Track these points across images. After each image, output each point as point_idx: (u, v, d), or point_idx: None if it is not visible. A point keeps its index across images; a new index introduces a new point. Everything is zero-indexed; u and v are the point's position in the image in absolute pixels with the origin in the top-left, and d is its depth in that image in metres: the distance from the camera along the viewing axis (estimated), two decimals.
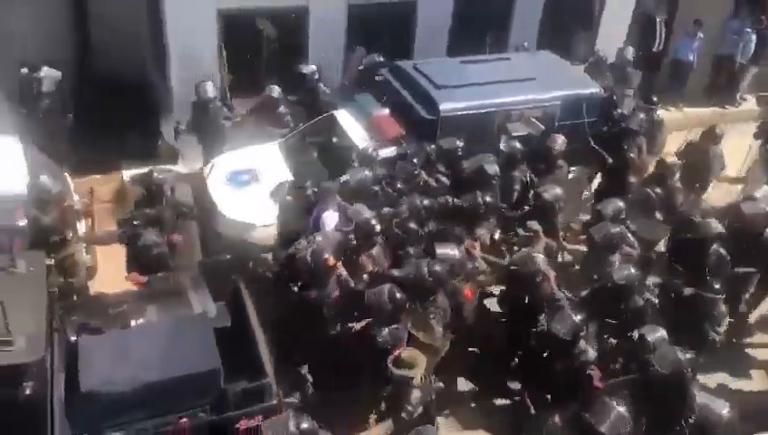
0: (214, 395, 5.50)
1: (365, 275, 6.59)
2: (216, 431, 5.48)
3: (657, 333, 5.83)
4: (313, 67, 9.71)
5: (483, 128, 8.76)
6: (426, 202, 7.39)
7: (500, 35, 11.64)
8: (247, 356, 5.80)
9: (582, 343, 6.10)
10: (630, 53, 11.28)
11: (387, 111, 9.18)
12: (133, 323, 5.94)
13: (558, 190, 7.78)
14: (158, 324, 5.96)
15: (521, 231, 7.69)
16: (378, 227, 6.75)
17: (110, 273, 7.46)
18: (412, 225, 7.02)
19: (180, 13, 9.47)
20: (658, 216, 8.15)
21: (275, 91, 9.36)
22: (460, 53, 10.54)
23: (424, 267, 6.30)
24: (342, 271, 6.49)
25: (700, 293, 6.78)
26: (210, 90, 9.13)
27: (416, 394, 5.92)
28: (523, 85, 9.17)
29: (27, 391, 4.68)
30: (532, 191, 8.10)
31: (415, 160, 8.10)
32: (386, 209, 7.18)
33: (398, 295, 6.04)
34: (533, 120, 9.01)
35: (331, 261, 6.34)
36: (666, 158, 9.00)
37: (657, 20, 12.52)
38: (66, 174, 8.40)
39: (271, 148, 9.24)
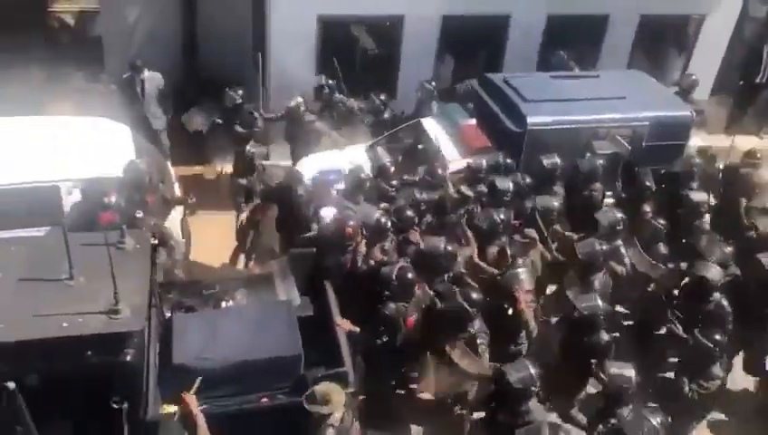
0: (294, 380, 5.77)
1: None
2: (293, 415, 5.77)
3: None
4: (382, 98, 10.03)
5: (569, 144, 8.78)
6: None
7: (591, 53, 11.63)
8: (327, 345, 6.05)
9: (533, 403, 5.59)
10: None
11: (474, 121, 9.35)
12: (223, 304, 6.31)
13: (618, 214, 7.51)
14: (246, 308, 6.30)
15: (517, 237, 7.38)
16: (387, 224, 7.01)
17: (202, 255, 7.92)
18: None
19: (284, 18, 9.94)
20: (663, 249, 7.59)
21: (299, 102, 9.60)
22: (550, 68, 10.63)
23: (459, 297, 6.24)
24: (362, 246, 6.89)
25: (687, 338, 6.39)
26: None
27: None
28: (611, 103, 9.13)
29: (128, 358, 5.03)
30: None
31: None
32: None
33: (409, 275, 6.33)
34: (620, 139, 8.99)
35: (352, 231, 6.74)
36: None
37: (765, 51, 12.11)
38: (168, 163, 8.94)
39: (358, 151, 9.56)
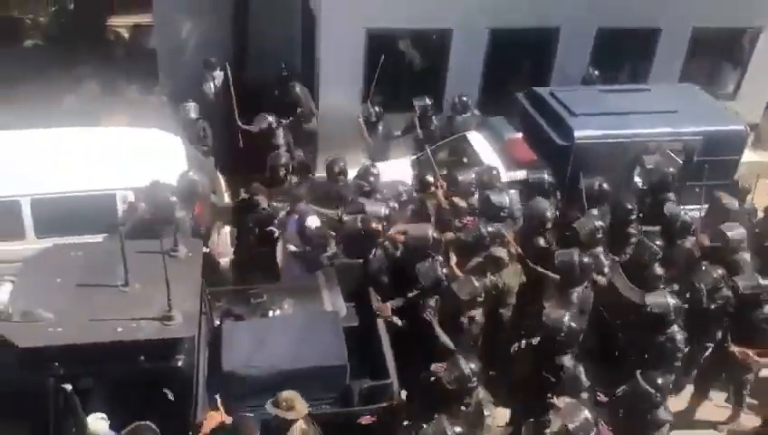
0: (339, 389, 5.84)
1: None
2: (338, 424, 5.81)
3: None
4: (427, 101, 9.98)
5: (617, 159, 8.69)
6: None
7: (642, 66, 11.49)
8: (372, 356, 6.09)
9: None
10: None
11: (520, 135, 9.32)
12: (271, 313, 6.41)
13: (597, 222, 7.39)
14: (293, 317, 6.39)
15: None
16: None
17: None
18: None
19: (332, 31, 10.05)
20: (658, 270, 7.30)
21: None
22: (599, 82, 10.53)
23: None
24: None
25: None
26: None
27: None
28: (662, 117, 9.00)
29: (179, 364, 5.17)
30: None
31: None
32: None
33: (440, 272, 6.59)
34: (671, 153, 8.84)
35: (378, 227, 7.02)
36: None
37: None
38: (219, 173, 9.13)
39: (404, 163, 9.61)
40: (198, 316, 5.42)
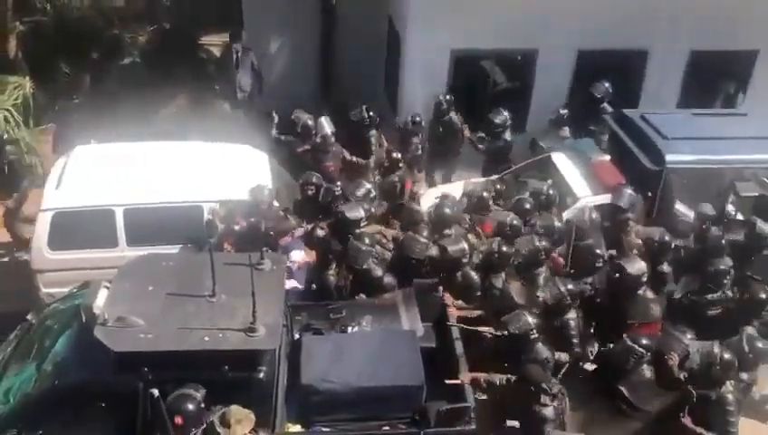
0: (415, 409, 5.78)
1: None
2: None
3: None
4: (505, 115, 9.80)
5: (710, 185, 8.37)
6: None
7: (737, 90, 11.07)
8: (450, 378, 6.02)
9: None
10: None
11: (608, 157, 9.10)
12: (350, 329, 6.42)
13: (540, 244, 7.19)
14: (372, 334, 6.36)
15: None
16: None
17: None
18: None
19: (418, 51, 10.18)
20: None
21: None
22: (692, 106, 10.19)
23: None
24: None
25: None
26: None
27: None
28: (759, 143, 8.62)
29: (261, 375, 5.28)
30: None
31: None
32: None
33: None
34: (767, 181, 8.44)
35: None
36: None
37: None
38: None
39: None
40: (280, 329, 5.52)
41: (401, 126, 9.74)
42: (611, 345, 6.53)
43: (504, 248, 7.08)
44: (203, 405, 5.02)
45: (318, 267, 7.40)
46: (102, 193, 7.67)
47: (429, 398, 5.83)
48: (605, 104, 9.97)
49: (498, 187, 8.85)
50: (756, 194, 8.32)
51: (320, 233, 7.61)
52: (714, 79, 11.18)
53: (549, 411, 5.72)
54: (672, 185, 8.03)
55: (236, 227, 7.33)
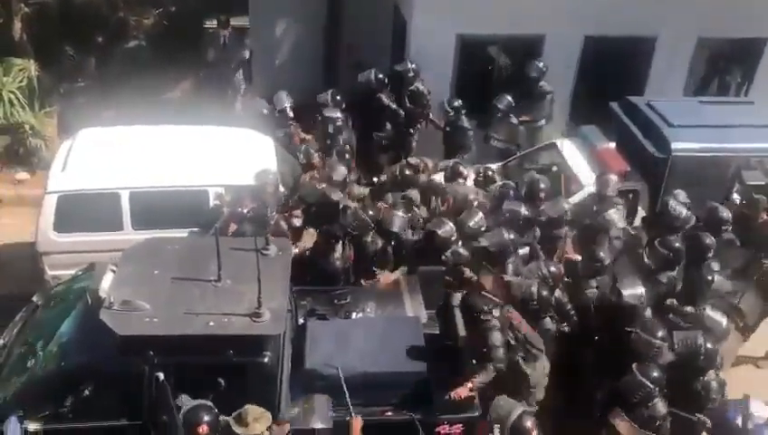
0: (418, 396, 5.81)
1: None
2: (415, 431, 5.79)
3: None
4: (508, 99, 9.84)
5: (716, 173, 8.35)
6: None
7: (744, 78, 11.00)
8: (453, 365, 6.05)
9: None
10: None
11: (612, 145, 9.07)
12: (354, 315, 6.45)
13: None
14: (375, 320, 6.41)
15: None
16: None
17: None
18: None
19: (423, 35, 10.09)
20: None
21: None
22: (698, 93, 10.15)
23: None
24: None
25: None
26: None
27: None
28: (767, 132, 8.58)
29: (266, 360, 5.31)
30: None
31: None
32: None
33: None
34: None
35: None
36: None
37: None
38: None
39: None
40: (285, 314, 5.54)
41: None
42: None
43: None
44: (216, 410, 5.03)
45: (320, 254, 7.35)
46: (108, 176, 7.66)
47: (434, 384, 5.84)
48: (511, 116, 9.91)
49: (489, 173, 8.81)
50: (763, 183, 8.29)
51: (296, 222, 7.53)
52: (721, 67, 11.11)
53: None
54: (678, 173, 7.98)
55: (244, 211, 7.30)
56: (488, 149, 10.01)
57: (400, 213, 7.41)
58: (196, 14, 13.51)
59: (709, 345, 5.83)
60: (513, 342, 6.04)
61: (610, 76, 10.41)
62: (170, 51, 12.48)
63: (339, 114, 9.35)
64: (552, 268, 6.72)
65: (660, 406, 5.57)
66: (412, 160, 8.99)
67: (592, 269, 6.86)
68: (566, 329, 6.51)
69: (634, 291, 6.37)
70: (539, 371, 6.18)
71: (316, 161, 8.34)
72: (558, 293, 6.58)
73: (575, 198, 8.37)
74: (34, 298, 6.58)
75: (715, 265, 6.88)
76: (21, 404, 5.36)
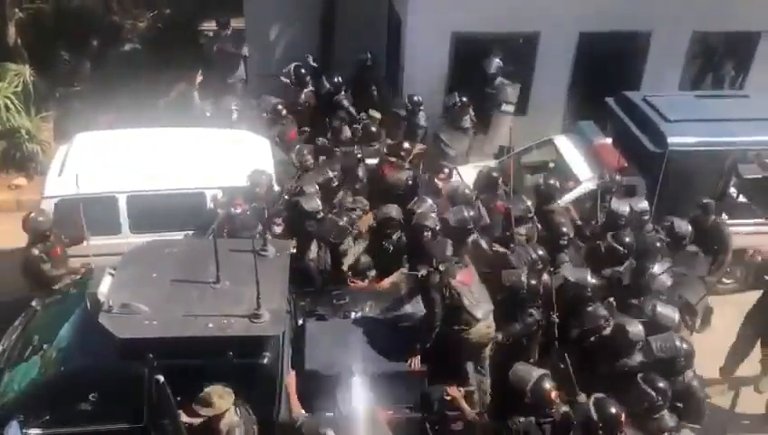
0: (418, 395, 5.84)
1: None
2: (416, 429, 5.81)
3: None
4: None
5: (713, 167, 8.36)
6: None
7: (739, 71, 11.01)
8: (451, 364, 6.05)
9: None
10: None
11: (609, 140, 9.08)
12: (353, 315, 6.43)
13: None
14: (374, 320, 6.39)
15: None
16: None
17: None
18: None
19: (418, 33, 10.11)
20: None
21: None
22: (694, 87, 10.16)
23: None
24: None
25: None
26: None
27: None
28: (763, 125, 8.58)
29: (265, 361, 5.32)
30: None
31: None
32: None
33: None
34: None
35: None
36: None
37: None
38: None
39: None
40: (285, 315, 5.54)
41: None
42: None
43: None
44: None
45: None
46: (105, 180, 7.66)
47: (434, 383, 5.87)
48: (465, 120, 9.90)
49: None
50: (759, 176, 8.30)
51: (277, 230, 7.35)
52: (716, 60, 11.12)
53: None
54: (674, 167, 7.98)
55: (237, 211, 7.27)
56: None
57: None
58: (190, 17, 13.52)
59: (686, 346, 5.78)
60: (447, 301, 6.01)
61: (606, 72, 10.42)
62: (165, 53, 12.48)
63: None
64: (540, 252, 6.74)
65: (668, 418, 5.44)
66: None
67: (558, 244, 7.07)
68: (556, 319, 6.37)
69: (582, 275, 6.46)
70: (476, 333, 6.08)
71: (309, 163, 8.31)
72: (546, 277, 6.53)
73: (572, 195, 8.39)
74: (33, 303, 6.57)
75: (663, 265, 6.81)
76: (21, 409, 5.35)
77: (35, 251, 6.89)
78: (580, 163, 8.86)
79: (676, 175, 8.00)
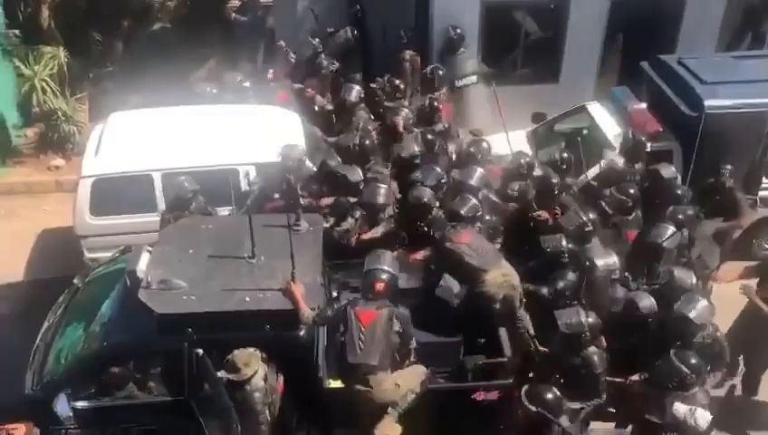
0: (453, 365, 5.88)
1: None
2: (452, 398, 5.83)
3: None
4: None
5: (751, 130, 8.15)
6: None
7: None
8: (488, 336, 6.06)
9: None
10: None
11: (644, 105, 8.90)
12: None
13: None
14: (408, 292, 6.42)
15: None
16: None
17: None
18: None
19: (447, 2, 10.00)
20: None
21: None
22: (731, 49, 9.88)
23: None
24: None
25: None
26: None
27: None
28: None
29: (302, 333, 5.39)
30: None
31: None
32: None
33: None
34: None
35: None
36: None
37: None
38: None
39: (518, 135, 9.39)
40: (319, 288, 5.60)
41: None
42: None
43: None
44: None
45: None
46: (140, 159, 7.78)
47: (468, 353, 5.92)
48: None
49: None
50: None
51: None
52: (754, 20, 10.79)
53: None
54: (711, 131, 7.81)
55: (273, 187, 7.33)
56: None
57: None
58: None
59: (591, 320, 5.71)
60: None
61: (640, 36, 10.19)
62: (195, 31, 12.52)
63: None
64: (591, 215, 6.66)
65: (701, 396, 5.33)
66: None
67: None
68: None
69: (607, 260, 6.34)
70: (493, 284, 6.04)
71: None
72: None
73: (606, 161, 8.28)
74: (75, 281, 6.75)
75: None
76: (68, 383, 5.54)
77: None
78: (614, 129, 8.71)
79: (713, 138, 7.85)
